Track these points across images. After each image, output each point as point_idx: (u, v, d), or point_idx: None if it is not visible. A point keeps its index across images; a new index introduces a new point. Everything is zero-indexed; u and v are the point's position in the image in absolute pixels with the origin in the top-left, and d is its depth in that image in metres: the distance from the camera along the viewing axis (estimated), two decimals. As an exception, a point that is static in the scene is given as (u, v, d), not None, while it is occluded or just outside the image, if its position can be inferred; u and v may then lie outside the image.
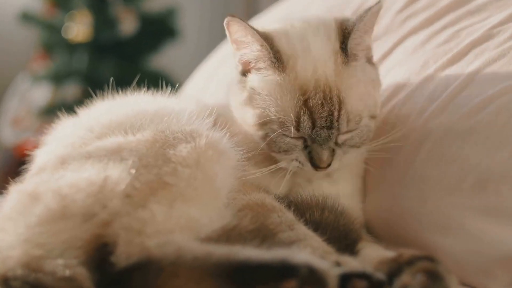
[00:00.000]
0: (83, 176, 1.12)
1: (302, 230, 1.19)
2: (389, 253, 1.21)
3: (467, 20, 1.55)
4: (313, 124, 1.34)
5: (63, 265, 1.01)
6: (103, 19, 4.46)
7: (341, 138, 1.37)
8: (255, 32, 1.37)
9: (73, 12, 4.47)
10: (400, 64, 1.60)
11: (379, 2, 1.35)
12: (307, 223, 1.24)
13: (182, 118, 1.33)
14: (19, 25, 4.71)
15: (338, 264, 1.06)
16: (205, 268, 0.97)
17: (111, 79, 1.53)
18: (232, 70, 1.48)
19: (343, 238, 1.26)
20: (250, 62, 1.42)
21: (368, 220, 1.49)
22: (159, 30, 4.67)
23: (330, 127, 1.34)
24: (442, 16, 1.61)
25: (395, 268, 1.10)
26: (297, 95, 1.34)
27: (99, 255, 1.03)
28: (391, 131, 1.43)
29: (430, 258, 1.10)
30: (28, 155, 1.46)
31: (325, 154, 1.34)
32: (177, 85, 1.63)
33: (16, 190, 1.19)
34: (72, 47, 4.48)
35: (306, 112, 1.33)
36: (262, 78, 1.40)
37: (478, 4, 1.57)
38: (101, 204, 1.07)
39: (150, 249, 1.00)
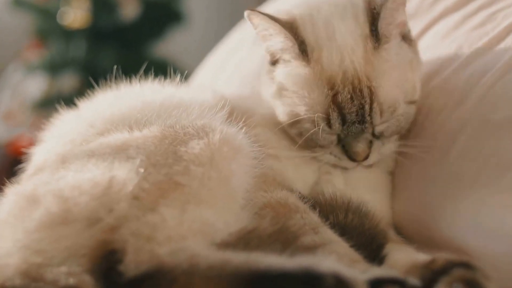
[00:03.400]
0: (87, 177, 1.11)
1: (328, 234, 1.19)
2: (420, 257, 1.20)
3: (505, 0, 1.52)
4: (343, 120, 1.34)
5: (66, 273, 1.01)
6: (102, 3, 4.44)
7: (378, 129, 1.37)
8: (278, 23, 1.36)
9: (69, -4, 4.46)
10: (432, 50, 1.58)
11: None
12: (332, 226, 1.23)
13: (193, 110, 1.32)
14: (10, 11, 4.70)
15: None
16: (221, 277, 0.96)
17: (114, 67, 1.52)
18: (245, 59, 1.47)
19: (369, 244, 1.25)
20: (276, 53, 1.42)
21: (397, 221, 1.48)
22: (163, 14, 4.64)
23: (362, 122, 1.34)
24: (477, -4, 1.59)
25: (428, 277, 1.09)
26: (325, 90, 1.34)
27: (106, 263, 1.02)
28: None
29: (467, 264, 1.09)
30: (23, 153, 1.45)
31: (360, 147, 1.35)
32: (185, 74, 1.62)
33: (13, 192, 1.19)
34: (68, 34, 4.46)
35: (335, 109, 1.33)
36: (288, 72, 1.40)
37: (516, -18, 1.54)
38: (107, 208, 1.06)
39: (161, 257, 0.99)
